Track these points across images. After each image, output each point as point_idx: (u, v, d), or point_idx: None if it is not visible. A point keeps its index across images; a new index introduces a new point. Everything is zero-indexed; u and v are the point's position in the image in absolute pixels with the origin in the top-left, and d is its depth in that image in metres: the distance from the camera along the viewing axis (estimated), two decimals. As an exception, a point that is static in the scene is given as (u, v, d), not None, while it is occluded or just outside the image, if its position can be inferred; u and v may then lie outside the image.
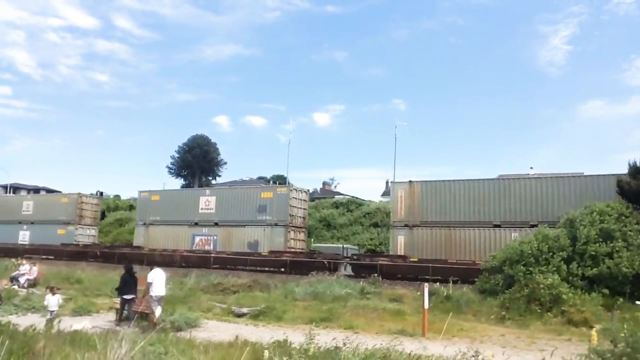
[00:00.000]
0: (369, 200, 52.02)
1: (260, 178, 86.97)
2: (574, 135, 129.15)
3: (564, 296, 16.30)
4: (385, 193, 69.44)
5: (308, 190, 37.45)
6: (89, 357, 5.46)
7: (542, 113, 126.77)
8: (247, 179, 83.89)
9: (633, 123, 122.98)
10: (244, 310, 17.04)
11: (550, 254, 18.57)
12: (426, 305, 14.34)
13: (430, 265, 24.63)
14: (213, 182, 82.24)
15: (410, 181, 28.24)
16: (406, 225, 27.46)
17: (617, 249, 17.93)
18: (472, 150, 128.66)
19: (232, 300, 19.03)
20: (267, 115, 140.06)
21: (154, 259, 28.81)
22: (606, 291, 17.39)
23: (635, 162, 20.79)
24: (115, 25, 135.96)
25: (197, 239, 34.12)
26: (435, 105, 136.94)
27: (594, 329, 11.76)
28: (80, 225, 40.91)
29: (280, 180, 73.91)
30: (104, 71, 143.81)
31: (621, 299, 16.93)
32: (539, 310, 16.14)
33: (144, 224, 36.57)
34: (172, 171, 79.26)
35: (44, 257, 35.91)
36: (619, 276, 17.46)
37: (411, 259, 26.17)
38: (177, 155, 78.57)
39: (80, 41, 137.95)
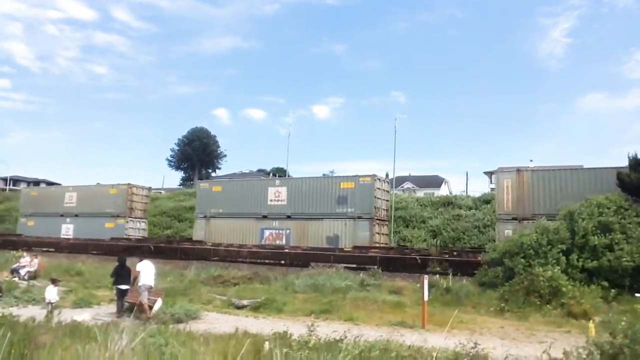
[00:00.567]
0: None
1: (260, 171, 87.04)
2: (574, 129, 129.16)
3: (563, 288, 16.33)
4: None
5: (389, 180, 35.00)
6: (90, 349, 5.47)
7: (542, 106, 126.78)
8: (247, 171, 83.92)
9: (633, 116, 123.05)
10: (244, 302, 17.09)
11: (550, 246, 18.60)
12: (426, 298, 14.38)
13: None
14: (213, 174, 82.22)
15: (517, 170, 26.11)
16: (514, 218, 24.73)
17: (616, 241, 17.96)
18: (472, 143, 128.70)
19: (232, 292, 19.08)
20: (266, 108, 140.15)
21: (219, 255, 28.27)
22: (605, 284, 17.42)
23: (635, 155, 20.76)
24: (114, 17, 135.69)
25: (267, 232, 31.41)
26: (435, 97, 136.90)
27: (592, 321, 11.81)
28: (130, 218, 38.01)
29: (280, 172, 73.93)
30: (102, 63, 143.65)
31: (620, 292, 16.97)
32: (538, 303, 16.17)
33: (205, 216, 33.65)
34: (172, 164, 79.32)
35: (94, 252, 33.55)
36: (619, 269, 17.49)
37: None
38: (177, 148, 78.57)
39: (79, 33, 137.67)
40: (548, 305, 15.93)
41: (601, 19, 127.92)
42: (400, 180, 66.58)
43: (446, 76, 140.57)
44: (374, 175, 28.87)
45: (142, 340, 6.23)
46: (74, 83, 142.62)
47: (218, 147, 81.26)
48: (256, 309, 16.50)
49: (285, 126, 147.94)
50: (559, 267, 17.61)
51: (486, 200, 37.88)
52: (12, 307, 14.58)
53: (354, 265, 23.53)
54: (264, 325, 13.01)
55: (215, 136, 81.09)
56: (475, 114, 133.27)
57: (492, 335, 12.96)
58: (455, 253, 25.12)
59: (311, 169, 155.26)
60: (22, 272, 22.15)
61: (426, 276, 15.28)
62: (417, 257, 24.52)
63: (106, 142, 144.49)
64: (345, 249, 27.23)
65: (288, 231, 30.51)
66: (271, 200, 31.39)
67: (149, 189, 41.61)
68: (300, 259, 27.08)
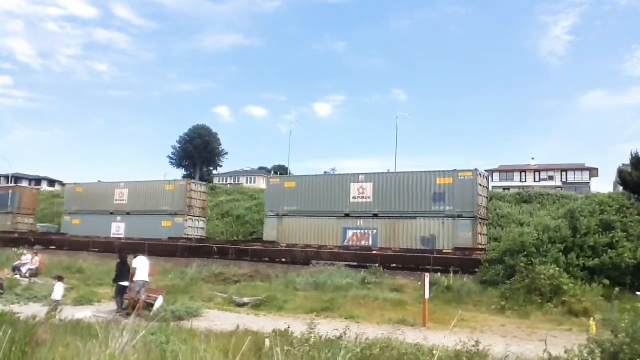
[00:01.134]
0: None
1: (261, 168, 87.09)
2: (575, 126, 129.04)
3: (564, 287, 16.33)
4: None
5: (488, 176, 30.72)
6: (91, 346, 5.47)
7: (543, 103, 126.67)
8: (249, 169, 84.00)
9: (634, 113, 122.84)
10: (246, 300, 17.11)
11: (551, 244, 18.58)
12: (427, 296, 14.39)
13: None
14: (214, 172, 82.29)
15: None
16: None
17: (617, 239, 17.94)
18: (473, 141, 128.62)
19: (234, 290, 19.09)
20: (267, 106, 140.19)
21: (294, 257, 26.34)
22: (607, 282, 17.41)
23: (637, 153, 20.75)
24: (115, 14, 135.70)
25: (350, 233, 28.21)
26: (436, 95, 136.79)
27: (593, 319, 11.80)
28: (190, 216, 34.92)
29: (282, 170, 73.93)
30: (103, 61, 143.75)
31: (621, 290, 16.95)
32: (539, 301, 16.18)
33: (277, 215, 30.55)
34: (173, 161, 79.29)
35: (152, 253, 30.65)
36: (620, 267, 17.48)
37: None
38: (179, 146, 78.52)
39: (80, 31, 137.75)
40: (549, 304, 15.93)
41: (603, 17, 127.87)
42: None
43: (447, 74, 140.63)
44: (476, 170, 25.98)
45: (143, 338, 6.22)
46: (76, 80, 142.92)
47: (220, 144, 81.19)
48: (257, 306, 16.52)
49: (287, 124, 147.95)
50: (559, 266, 17.60)
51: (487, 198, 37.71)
52: (13, 304, 14.62)
53: (458, 269, 21.44)
54: (265, 323, 13.03)
55: (216, 134, 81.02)
56: (477, 112, 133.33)
57: (493, 333, 12.96)
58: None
59: (313, 166, 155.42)
60: (24, 269, 22.20)
61: (427, 274, 15.28)
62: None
63: (108, 140, 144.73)
64: (444, 251, 24.23)
65: (375, 231, 27.45)
66: (354, 198, 28.39)
67: (207, 185, 38.69)
68: (393, 261, 24.48)
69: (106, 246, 33.14)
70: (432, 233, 25.95)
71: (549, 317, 15.06)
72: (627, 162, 21.11)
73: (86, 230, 36.74)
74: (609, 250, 17.83)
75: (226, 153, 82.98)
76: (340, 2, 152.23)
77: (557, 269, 17.23)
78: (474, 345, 7.27)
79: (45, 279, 21.30)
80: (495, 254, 19.78)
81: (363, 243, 27.40)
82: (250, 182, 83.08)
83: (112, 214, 37.35)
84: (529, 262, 18.05)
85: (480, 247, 24.42)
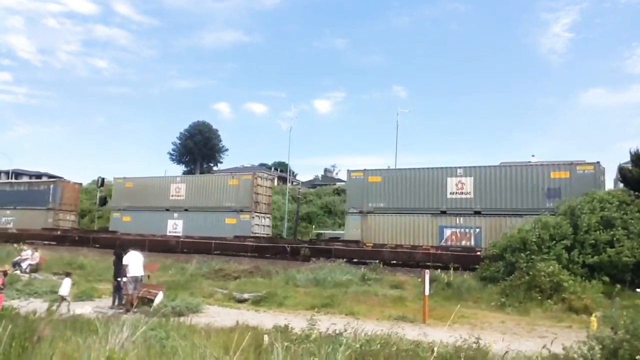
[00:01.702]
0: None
1: (261, 165, 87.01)
2: (575, 124, 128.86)
3: (564, 283, 16.35)
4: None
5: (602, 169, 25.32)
6: (91, 341, 5.48)
7: (543, 101, 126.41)
8: (249, 165, 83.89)
9: (634, 111, 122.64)
10: (245, 295, 17.13)
11: (553, 241, 18.57)
12: (427, 292, 14.39)
13: None
14: (215, 168, 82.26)
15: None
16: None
17: (618, 237, 17.94)
18: (473, 138, 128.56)
19: (234, 286, 19.11)
20: (267, 102, 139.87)
21: (382, 258, 24.03)
22: (607, 279, 17.42)
23: (637, 150, 20.69)
24: (115, 10, 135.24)
25: (448, 231, 25.84)
26: (436, 92, 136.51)
27: (594, 315, 11.82)
28: (256, 213, 32.02)
29: (282, 167, 73.91)
30: (103, 57, 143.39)
31: (621, 287, 16.95)
32: (539, 298, 16.19)
33: (360, 212, 27.95)
34: (174, 157, 79.23)
35: (218, 252, 28.71)
36: (620, 264, 17.49)
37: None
38: (179, 142, 78.45)
39: (80, 27, 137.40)
40: (549, 300, 15.94)
41: (603, 14, 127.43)
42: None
43: (448, 71, 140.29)
44: (597, 164, 23.28)
45: (143, 333, 6.23)
46: (76, 77, 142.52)
47: (220, 141, 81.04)
48: (257, 302, 16.54)
49: (287, 120, 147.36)
50: (560, 263, 17.61)
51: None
52: (13, 300, 14.62)
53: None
54: (265, 319, 13.04)
55: (217, 130, 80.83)
56: (477, 109, 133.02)
57: (493, 329, 12.98)
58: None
59: (313, 162, 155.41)
60: (24, 265, 22.24)
61: (427, 271, 15.29)
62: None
63: (108, 136, 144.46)
64: None
65: (477, 230, 25.05)
66: (452, 193, 25.84)
67: (273, 179, 35.82)
68: None
69: (163, 245, 30.61)
70: None
71: (549, 313, 15.08)
72: (627, 159, 21.06)
73: (138, 228, 34.15)
74: (609, 248, 17.82)
75: (226, 149, 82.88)
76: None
77: (557, 265, 17.24)
78: (474, 342, 7.28)
79: (45, 275, 21.35)
80: (496, 251, 19.78)
81: (464, 243, 25.17)
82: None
83: (167, 210, 34.53)
84: (530, 259, 18.05)
85: None
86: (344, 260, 23.91)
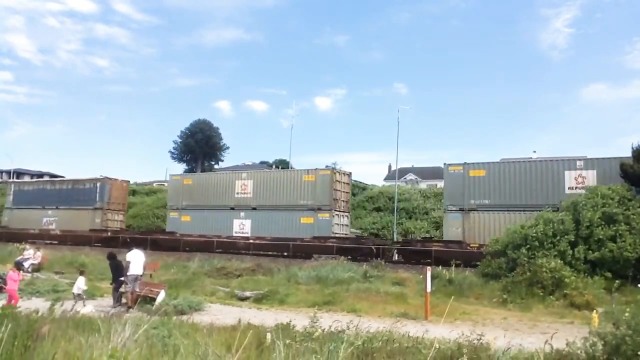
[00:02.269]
0: (372, 185, 52.16)
1: (262, 162, 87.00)
2: (576, 119, 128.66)
3: (566, 279, 16.33)
4: (389, 177, 69.45)
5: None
6: (93, 340, 5.49)
7: (544, 97, 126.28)
8: (250, 163, 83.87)
9: (635, 106, 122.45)
10: (247, 293, 17.13)
11: (555, 237, 18.54)
12: (428, 289, 14.38)
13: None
14: (216, 166, 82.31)
15: None
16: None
17: (620, 232, 17.91)
18: (475, 134, 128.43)
19: (236, 284, 19.12)
20: (268, 100, 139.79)
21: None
22: (609, 274, 17.41)
23: (639, 146, 20.62)
24: (115, 9, 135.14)
25: None
26: (437, 89, 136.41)
27: (595, 311, 11.81)
28: (337, 212, 28.87)
29: (283, 164, 73.89)
30: (104, 56, 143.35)
31: (623, 283, 16.94)
32: (541, 294, 16.19)
33: (460, 209, 25.38)
34: (175, 156, 79.26)
35: (295, 255, 26.66)
36: (622, 260, 17.47)
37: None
38: (180, 140, 78.46)
39: (80, 26, 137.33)
40: (551, 296, 15.94)
41: (604, 9, 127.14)
42: (403, 172, 66.56)
43: (449, 67, 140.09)
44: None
45: (145, 332, 6.24)
46: (76, 76, 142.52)
47: (221, 139, 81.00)
48: (259, 300, 16.55)
49: (288, 118, 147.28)
50: (562, 259, 17.59)
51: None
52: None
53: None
54: (267, 316, 13.05)
55: (218, 128, 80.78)
56: (478, 105, 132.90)
57: (495, 326, 12.97)
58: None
59: (314, 160, 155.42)
60: (26, 264, 22.25)
61: (429, 267, 15.29)
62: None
63: (109, 135, 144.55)
64: None
65: None
66: (570, 188, 23.02)
67: (349, 174, 31.82)
68: None
69: (228, 246, 29.15)
70: None
71: (551, 309, 15.07)
72: (628, 155, 20.97)
73: (199, 228, 31.97)
74: (610, 244, 17.80)
75: (227, 147, 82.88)
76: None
77: (559, 261, 17.23)
78: (476, 339, 7.28)
79: (47, 274, 21.37)
80: (497, 247, 19.77)
81: None
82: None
83: (232, 209, 31.62)
84: (531, 255, 18.04)
85: None
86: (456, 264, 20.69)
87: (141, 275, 15.40)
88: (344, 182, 30.10)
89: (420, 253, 24.48)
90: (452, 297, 14.66)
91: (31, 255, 23.09)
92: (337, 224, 28.82)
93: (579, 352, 6.52)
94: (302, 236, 28.02)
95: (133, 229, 40.02)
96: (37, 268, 22.33)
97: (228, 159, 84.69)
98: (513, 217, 23.43)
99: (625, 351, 6.03)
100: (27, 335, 5.77)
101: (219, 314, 13.77)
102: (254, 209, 30.89)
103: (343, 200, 29.79)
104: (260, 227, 30.17)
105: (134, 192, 50.36)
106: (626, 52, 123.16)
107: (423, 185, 57.23)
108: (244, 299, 16.81)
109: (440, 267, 20.19)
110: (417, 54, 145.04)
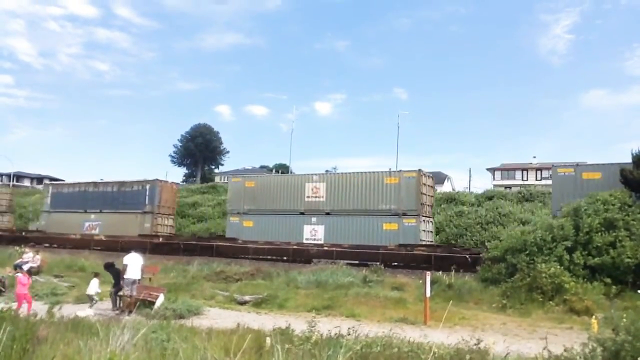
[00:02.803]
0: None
1: (262, 167, 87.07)
2: (576, 125, 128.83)
3: (565, 285, 16.30)
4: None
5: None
6: (92, 344, 5.48)
7: (544, 102, 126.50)
8: (250, 167, 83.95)
9: (635, 112, 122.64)
10: (247, 298, 17.12)
11: (555, 243, 18.52)
12: (428, 294, 14.38)
13: None
14: (216, 170, 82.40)
15: None
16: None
17: (620, 238, 17.89)
18: (474, 140, 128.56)
19: (235, 288, 19.09)
20: (268, 105, 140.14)
21: None
22: (608, 280, 17.36)
23: (639, 151, 20.62)
24: (116, 13, 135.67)
25: None
26: (437, 94, 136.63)
27: (594, 317, 11.79)
28: (425, 217, 26.51)
29: (283, 169, 73.94)
30: (104, 60, 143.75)
31: (622, 288, 16.92)
32: (540, 299, 16.16)
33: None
34: (175, 160, 79.40)
35: (367, 262, 23.48)
36: (621, 266, 17.44)
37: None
38: (180, 144, 78.60)
39: (81, 30, 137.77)
40: (550, 302, 15.91)
41: (603, 15, 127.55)
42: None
43: (448, 72, 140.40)
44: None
45: (143, 335, 6.23)
46: (77, 79, 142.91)
47: (221, 143, 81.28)
48: (258, 304, 16.54)
49: (288, 123, 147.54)
50: (561, 264, 17.56)
51: (489, 196, 37.70)
52: (14, 302, 14.62)
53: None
54: (266, 321, 13.03)
55: (218, 132, 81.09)
56: (478, 110, 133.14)
57: (494, 331, 12.96)
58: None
59: (314, 165, 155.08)
60: (25, 267, 22.19)
61: (428, 272, 15.28)
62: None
63: (109, 138, 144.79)
64: None
65: None
66: None
67: (432, 176, 29.69)
68: None
69: (297, 255, 26.55)
70: None
71: (550, 315, 15.05)
72: (628, 160, 20.97)
73: (263, 234, 29.11)
74: (610, 250, 17.78)
75: (227, 152, 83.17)
76: (341, 1, 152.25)
77: (559, 267, 17.20)
78: (475, 344, 7.27)
79: (46, 277, 21.34)
80: (497, 252, 19.75)
81: None
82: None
83: (302, 214, 28.75)
84: (531, 261, 18.02)
85: None
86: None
87: (139, 279, 15.37)
88: (428, 185, 27.76)
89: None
90: (451, 302, 14.72)
91: (30, 258, 23.04)
92: (424, 231, 26.22)
93: (577, 357, 6.51)
94: (385, 244, 25.36)
95: (181, 234, 36.85)
96: (36, 271, 22.26)
97: (228, 163, 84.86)
98: None
99: (624, 357, 6.02)
100: (26, 339, 5.77)
101: (218, 318, 13.76)
102: (328, 213, 28.07)
103: (428, 205, 27.47)
104: (335, 234, 27.42)
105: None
106: (626, 58, 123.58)
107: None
108: (243, 303, 16.80)
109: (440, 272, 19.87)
110: (417, 59, 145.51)
